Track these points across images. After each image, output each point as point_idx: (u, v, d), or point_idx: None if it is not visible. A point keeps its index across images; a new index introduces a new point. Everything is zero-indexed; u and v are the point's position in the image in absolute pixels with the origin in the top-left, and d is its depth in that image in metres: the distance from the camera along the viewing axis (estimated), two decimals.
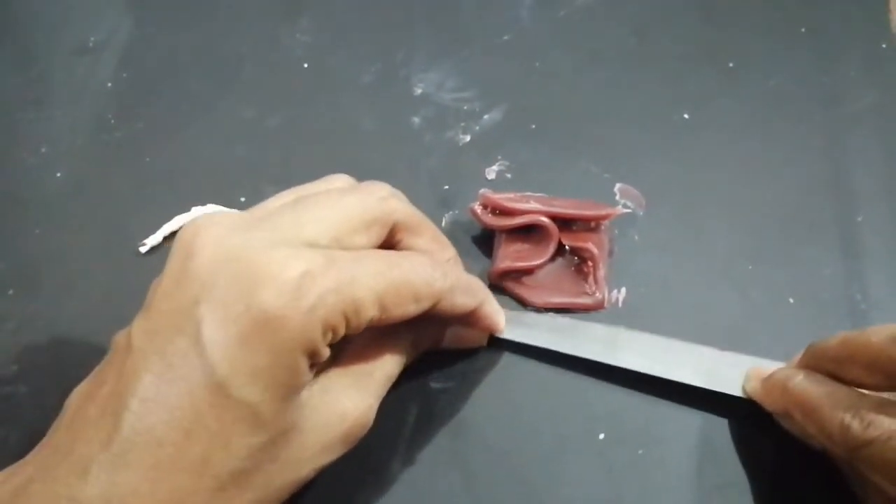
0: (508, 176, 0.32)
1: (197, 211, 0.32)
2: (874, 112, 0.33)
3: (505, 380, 0.28)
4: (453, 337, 0.28)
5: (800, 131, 0.33)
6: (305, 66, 0.36)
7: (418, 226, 0.26)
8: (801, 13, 0.36)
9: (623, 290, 0.29)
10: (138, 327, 0.22)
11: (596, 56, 0.35)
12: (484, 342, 0.28)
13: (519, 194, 0.30)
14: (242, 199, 0.32)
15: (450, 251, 0.27)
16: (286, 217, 0.23)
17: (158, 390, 0.21)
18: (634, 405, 0.27)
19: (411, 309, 0.23)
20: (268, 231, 0.22)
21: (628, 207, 0.31)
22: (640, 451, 0.26)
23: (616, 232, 0.30)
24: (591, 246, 0.29)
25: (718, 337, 0.28)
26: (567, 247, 0.29)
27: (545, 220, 0.28)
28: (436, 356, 0.28)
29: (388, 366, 0.25)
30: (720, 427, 0.26)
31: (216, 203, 0.32)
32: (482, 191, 0.30)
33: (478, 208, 0.29)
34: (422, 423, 0.27)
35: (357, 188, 0.25)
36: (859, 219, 0.30)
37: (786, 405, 0.24)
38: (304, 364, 0.21)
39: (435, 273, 0.24)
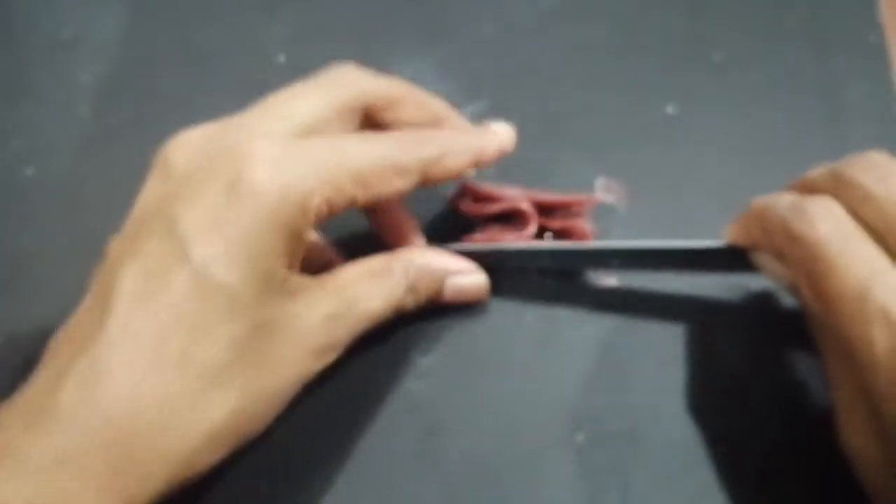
0: (490, 170, 0.32)
1: None
2: (861, 105, 0.33)
3: (482, 380, 0.27)
4: (454, 291, 0.27)
5: (786, 124, 0.32)
6: (282, 59, 0.36)
7: (397, 100, 0.25)
8: (787, 5, 0.35)
9: (613, 280, 0.29)
10: (116, 240, 0.22)
11: (579, 49, 0.35)
12: (486, 296, 0.28)
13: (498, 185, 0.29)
14: None
15: (438, 108, 0.26)
16: (256, 116, 0.23)
17: (137, 287, 0.21)
18: (613, 407, 0.26)
19: (398, 183, 0.23)
20: (239, 129, 0.23)
21: (610, 200, 0.30)
22: (618, 453, 0.26)
23: (598, 225, 0.30)
24: (578, 223, 0.29)
25: (699, 335, 0.27)
26: (551, 233, 0.29)
27: (525, 205, 0.28)
28: (412, 355, 0.27)
29: (372, 302, 0.24)
30: (701, 428, 0.26)
31: None
32: (461, 180, 0.29)
33: (457, 196, 0.29)
34: (398, 424, 0.26)
35: (322, 77, 0.25)
36: None
37: (748, 228, 0.25)
38: (281, 245, 0.21)
39: (416, 143, 0.24)
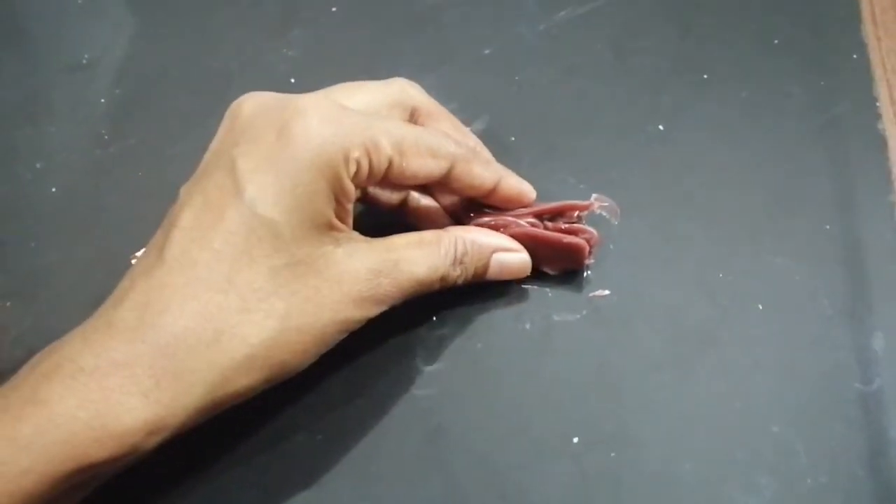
0: None
1: None
2: (845, 122, 0.34)
3: (482, 386, 0.29)
4: (499, 267, 0.29)
5: (772, 141, 0.34)
6: (292, 80, 0.37)
7: (438, 113, 0.29)
8: (773, 25, 0.37)
9: (607, 291, 0.30)
10: (185, 184, 0.25)
11: (573, 69, 0.36)
12: (528, 270, 0.29)
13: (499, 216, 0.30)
14: None
15: (471, 139, 0.30)
16: (321, 93, 0.27)
17: (196, 219, 0.24)
18: (607, 409, 0.28)
19: (430, 164, 0.26)
20: (302, 96, 0.25)
21: (603, 216, 0.32)
22: (612, 454, 0.27)
23: None
24: (583, 226, 0.30)
25: (689, 342, 0.29)
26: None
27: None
28: (416, 363, 0.29)
29: (417, 266, 0.26)
30: (691, 432, 0.27)
31: None
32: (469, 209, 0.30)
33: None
34: (402, 428, 0.28)
35: (379, 81, 0.28)
36: (827, 227, 0.31)
37: None
38: (324, 187, 0.24)
39: (450, 140, 0.27)
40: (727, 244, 0.31)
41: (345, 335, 0.25)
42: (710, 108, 0.35)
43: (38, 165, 0.35)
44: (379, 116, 0.26)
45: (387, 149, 0.25)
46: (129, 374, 0.22)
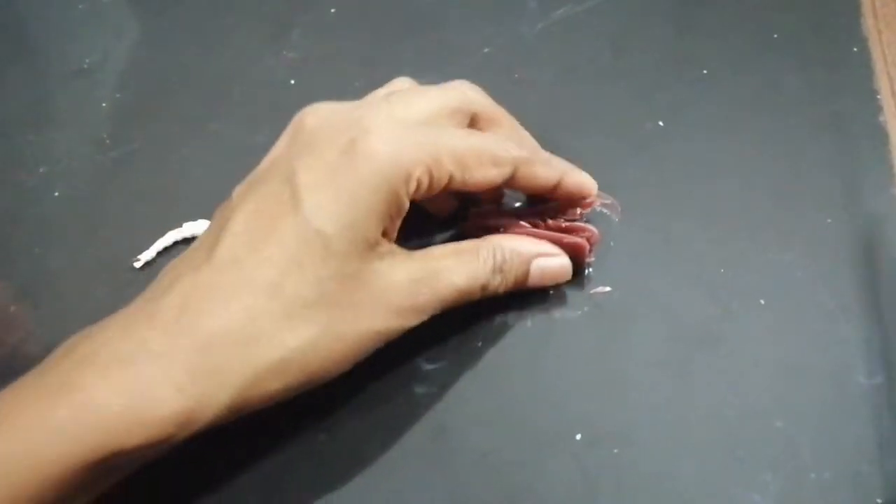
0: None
1: (189, 226, 0.33)
2: (846, 116, 0.34)
3: (484, 384, 0.29)
4: (539, 273, 0.29)
5: (772, 136, 0.34)
6: (292, 82, 0.37)
7: (498, 117, 0.29)
8: (773, 19, 0.37)
9: (608, 288, 0.30)
10: (239, 186, 0.26)
11: (572, 67, 0.36)
12: (569, 275, 0.29)
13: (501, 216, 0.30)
14: None
15: (529, 139, 0.30)
16: (382, 101, 0.27)
17: (248, 224, 0.24)
18: (610, 407, 0.28)
19: (492, 173, 0.26)
20: (366, 107, 0.26)
21: (604, 213, 0.32)
22: (615, 451, 0.27)
23: None
24: (584, 225, 0.30)
25: (691, 338, 0.29)
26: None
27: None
28: (418, 361, 0.29)
29: (455, 276, 0.26)
30: (692, 429, 0.27)
31: (208, 219, 0.33)
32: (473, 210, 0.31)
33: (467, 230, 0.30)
34: (404, 426, 0.28)
35: (442, 85, 0.28)
36: (829, 221, 0.31)
37: None
38: (383, 206, 0.24)
39: (511, 144, 0.27)
40: (728, 240, 0.31)
41: (382, 344, 0.26)
42: (709, 104, 0.35)
43: (41, 170, 0.36)
44: (440, 129, 0.26)
45: (448, 165, 0.25)
46: (165, 366, 0.22)
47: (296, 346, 0.23)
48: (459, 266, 0.26)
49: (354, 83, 0.37)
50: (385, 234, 0.25)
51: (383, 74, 0.37)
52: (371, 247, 0.24)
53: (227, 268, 0.23)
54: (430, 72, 0.37)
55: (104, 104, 0.38)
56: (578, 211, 0.30)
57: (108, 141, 0.36)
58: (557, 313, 0.30)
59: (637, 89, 0.35)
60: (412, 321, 0.26)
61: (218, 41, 0.39)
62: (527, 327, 0.30)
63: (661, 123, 0.34)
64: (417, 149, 0.24)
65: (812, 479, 0.26)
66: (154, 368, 0.22)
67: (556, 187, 0.29)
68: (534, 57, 0.37)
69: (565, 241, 0.29)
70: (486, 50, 0.37)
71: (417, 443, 0.28)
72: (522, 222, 0.30)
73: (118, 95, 0.38)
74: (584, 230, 0.30)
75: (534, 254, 0.28)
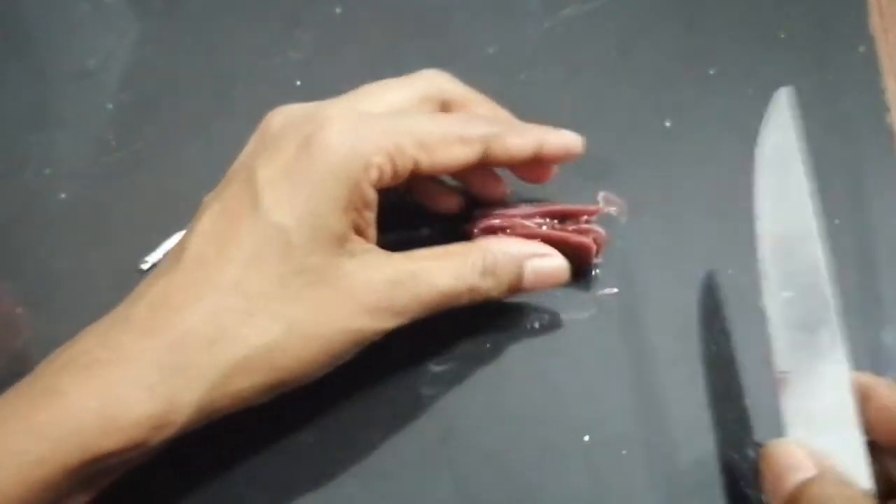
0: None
1: None
2: (853, 115, 0.34)
3: (492, 386, 0.29)
4: (534, 275, 0.27)
5: None
6: (298, 83, 0.37)
7: (470, 100, 0.28)
8: (780, 19, 0.37)
9: (615, 289, 0.30)
10: (210, 193, 0.26)
11: (579, 67, 0.36)
12: (566, 277, 0.28)
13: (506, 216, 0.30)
14: None
15: (505, 115, 0.29)
16: (349, 98, 0.27)
17: (213, 224, 0.24)
18: (618, 407, 0.28)
19: (460, 152, 0.25)
20: (330, 105, 0.26)
21: (612, 215, 0.32)
22: (623, 452, 0.27)
23: None
24: (593, 228, 0.29)
25: (699, 339, 0.29)
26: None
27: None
28: (425, 364, 0.29)
29: (439, 277, 0.25)
30: (700, 430, 0.27)
31: None
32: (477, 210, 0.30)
33: (476, 232, 0.30)
34: (412, 428, 0.28)
35: (410, 76, 0.28)
36: (836, 222, 0.31)
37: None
38: (343, 197, 0.24)
39: (478, 121, 0.27)
40: (735, 240, 0.31)
41: (360, 347, 0.25)
42: (716, 104, 0.34)
43: (46, 172, 0.36)
44: (402, 115, 0.26)
45: (410, 149, 0.25)
46: (137, 367, 0.23)
47: (260, 343, 0.23)
48: (443, 268, 0.26)
49: (360, 83, 0.37)
50: (359, 231, 0.25)
51: (389, 74, 0.37)
52: (337, 241, 0.24)
53: (194, 268, 0.24)
54: None
55: (109, 105, 0.38)
56: (585, 218, 0.30)
57: (113, 142, 0.36)
58: (565, 315, 0.30)
59: (643, 89, 0.35)
60: (389, 323, 0.25)
61: (223, 42, 0.39)
62: (535, 329, 0.30)
63: (667, 124, 0.34)
64: (376, 136, 0.24)
65: None
66: (127, 371, 0.23)
67: (537, 155, 0.27)
68: (539, 57, 0.37)
69: (572, 241, 0.29)
70: (491, 50, 0.37)
71: (426, 444, 0.28)
72: (527, 223, 0.30)
73: (123, 96, 0.38)
74: (590, 231, 0.29)
75: (525, 255, 0.27)
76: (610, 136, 0.34)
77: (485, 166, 0.27)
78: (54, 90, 0.39)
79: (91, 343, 0.24)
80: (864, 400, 0.22)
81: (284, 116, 0.26)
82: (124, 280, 0.32)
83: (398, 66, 0.37)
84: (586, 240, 0.29)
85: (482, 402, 0.28)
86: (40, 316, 0.32)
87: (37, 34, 0.41)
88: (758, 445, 0.25)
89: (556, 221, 0.30)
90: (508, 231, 0.29)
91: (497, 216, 0.30)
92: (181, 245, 0.25)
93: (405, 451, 0.28)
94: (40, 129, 0.37)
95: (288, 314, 0.24)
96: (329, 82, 0.37)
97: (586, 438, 0.27)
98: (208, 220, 0.25)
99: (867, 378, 0.23)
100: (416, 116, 0.26)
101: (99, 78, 0.39)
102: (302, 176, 0.24)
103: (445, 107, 0.28)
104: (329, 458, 0.28)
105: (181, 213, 0.33)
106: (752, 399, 0.27)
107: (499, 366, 0.29)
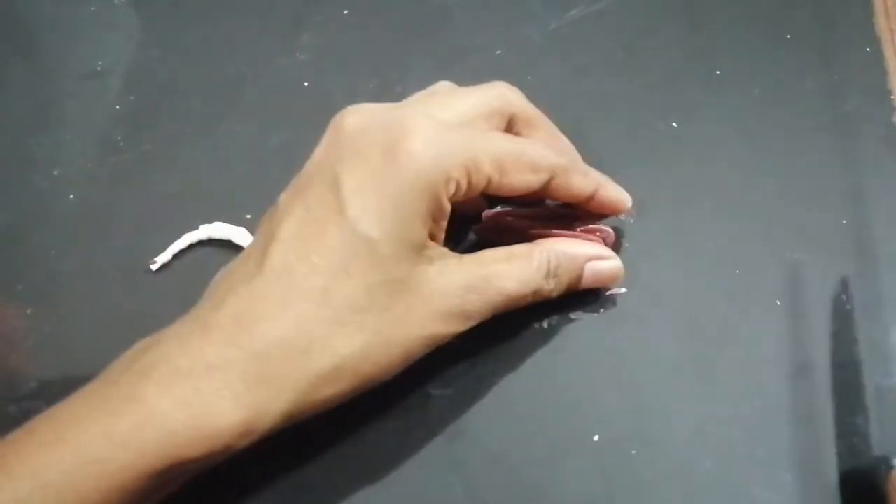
0: None
1: (205, 228, 0.33)
2: (859, 116, 0.34)
3: (500, 386, 0.29)
4: (592, 276, 0.28)
5: (786, 137, 0.34)
6: (305, 84, 0.38)
7: (535, 119, 0.29)
8: (786, 20, 0.37)
9: (623, 289, 0.30)
10: (285, 193, 0.26)
11: (585, 68, 0.36)
12: (622, 277, 0.29)
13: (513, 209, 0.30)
14: (248, 216, 0.33)
15: (567, 145, 0.30)
16: (421, 102, 0.27)
17: (296, 231, 0.24)
18: (627, 407, 0.28)
19: (529, 178, 0.26)
20: (405, 108, 0.26)
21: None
22: (633, 452, 0.27)
23: None
24: (601, 226, 0.30)
25: (707, 339, 0.29)
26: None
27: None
28: (434, 364, 0.29)
29: (507, 281, 0.26)
30: (711, 427, 0.27)
31: (223, 220, 0.33)
32: (485, 213, 0.30)
33: (482, 228, 0.30)
34: (421, 429, 0.28)
35: (481, 86, 0.28)
36: (844, 222, 0.31)
37: None
38: (425, 208, 0.24)
39: (550, 151, 0.27)
40: (743, 241, 0.31)
41: (431, 349, 0.26)
42: (723, 105, 0.35)
43: (55, 173, 0.36)
44: (479, 132, 0.26)
45: (487, 167, 0.25)
46: (223, 377, 0.23)
47: (348, 353, 0.24)
48: (511, 271, 0.26)
49: (368, 84, 0.37)
50: (432, 237, 0.25)
51: (396, 75, 0.37)
52: (418, 250, 0.24)
53: (278, 277, 0.23)
54: (443, 73, 0.37)
55: (117, 106, 0.38)
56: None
57: (121, 143, 0.36)
58: (574, 314, 0.30)
59: (650, 90, 0.35)
60: (460, 327, 0.25)
61: (230, 43, 0.39)
62: (544, 329, 0.30)
63: (674, 124, 0.34)
64: (457, 150, 0.24)
65: (829, 479, 0.26)
66: (213, 381, 0.23)
67: (589, 198, 0.28)
68: (546, 58, 0.37)
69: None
70: (497, 51, 0.37)
71: (434, 445, 0.28)
72: (536, 223, 0.30)
73: (131, 97, 0.38)
74: (599, 231, 0.30)
75: (587, 256, 0.28)
76: (616, 137, 0.34)
77: (538, 194, 0.27)
78: (63, 91, 0.39)
79: (172, 350, 0.23)
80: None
81: (361, 118, 0.25)
82: (134, 281, 0.33)
83: (406, 67, 0.38)
84: (595, 239, 0.29)
85: (490, 402, 0.28)
86: (50, 316, 0.32)
87: (44, 35, 0.41)
88: (890, 468, 0.25)
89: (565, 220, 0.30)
90: (516, 231, 0.29)
91: (508, 213, 0.30)
92: (260, 251, 0.24)
93: (412, 451, 0.28)
94: (49, 131, 0.37)
95: (373, 323, 0.24)
96: (336, 83, 0.38)
97: (595, 438, 0.27)
98: (291, 227, 0.24)
99: None
100: (494, 135, 0.27)
101: (107, 79, 0.39)
102: (388, 186, 0.24)
103: (511, 122, 0.28)
104: (337, 457, 0.28)
105: (190, 214, 0.34)
106: (755, 399, 0.27)
107: (507, 366, 0.29)
